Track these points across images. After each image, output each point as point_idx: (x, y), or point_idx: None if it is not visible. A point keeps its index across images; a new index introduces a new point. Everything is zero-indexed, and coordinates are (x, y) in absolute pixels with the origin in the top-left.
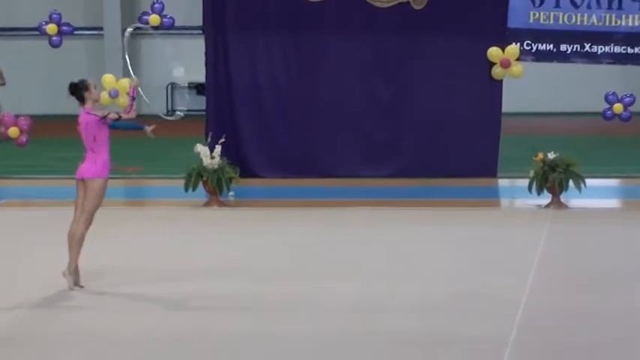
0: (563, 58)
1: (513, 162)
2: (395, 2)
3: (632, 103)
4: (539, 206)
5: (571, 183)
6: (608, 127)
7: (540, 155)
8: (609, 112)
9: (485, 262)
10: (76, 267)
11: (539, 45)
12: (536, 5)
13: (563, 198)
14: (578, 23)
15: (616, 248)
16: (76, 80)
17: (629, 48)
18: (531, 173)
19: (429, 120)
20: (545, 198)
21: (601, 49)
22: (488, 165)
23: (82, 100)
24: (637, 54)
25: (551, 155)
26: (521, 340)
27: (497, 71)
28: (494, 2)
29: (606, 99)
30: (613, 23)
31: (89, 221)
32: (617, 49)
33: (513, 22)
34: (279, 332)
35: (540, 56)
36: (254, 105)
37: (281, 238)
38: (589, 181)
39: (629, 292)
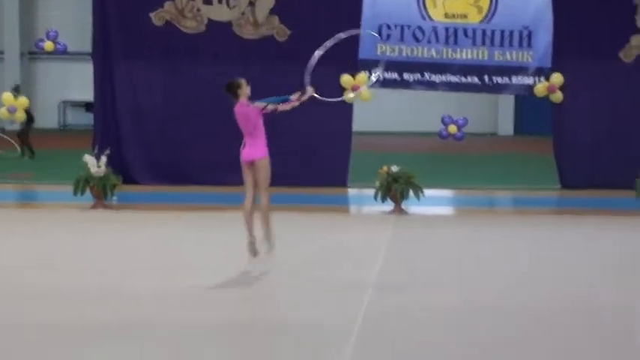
0: (406, 85)
1: (362, 174)
2: (261, 35)
3: (464, 125)
4: (384, 212)
5: (411, 193)
6: (444, 145)
7: (385, 168)
8: (445, 132)
9: (334, 260)
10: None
11: (386, 74)
12: (384, 39)
13: (404, 205)
14: (420, 55)
15: (450, 250)
16: (231, 79)
17: (462, 78)
18: (377, 184)
19: (290, 137)
20: (389, 205)
21: (439, 78)
22: (340, 176)
23: (236, 96)
24: (469, 83)
25: (394, 168)
26: (367, 328)
27: (348, 96)
28: (347, 36)
29: (442, 121)
30: (449, 56)
31: (268, 192)
32: (453, 79)
33: (364, 53)
34: (138, 321)
35: (386, 83)
36: (135, 122)
37: (154, 236)
38: (427, 191)
39: (461, 290)
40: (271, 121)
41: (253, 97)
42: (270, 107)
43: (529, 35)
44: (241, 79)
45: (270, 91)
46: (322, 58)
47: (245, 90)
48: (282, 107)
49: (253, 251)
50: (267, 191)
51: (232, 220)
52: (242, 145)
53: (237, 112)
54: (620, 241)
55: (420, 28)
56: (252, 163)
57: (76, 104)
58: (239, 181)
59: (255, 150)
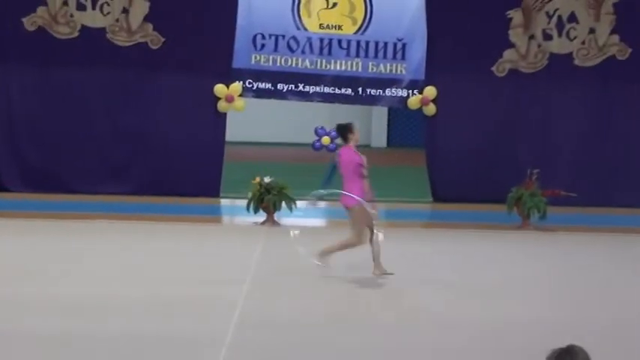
0: (279, 95)
1: (236, 184)
2: (134, 42)
3: (338, 137)
4: (256, 223)
5: (284, 204)
6: (318, 156)
7: (257, 179)
8: (318, 144)
9: (208, 270)
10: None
11: (260, 84)
12: (258, 49)
13: (276, 216)
14: (294, 66)
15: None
16: (343, 123)
17: (336, 89)
18: (249, 194)
19: (163, 145)
20: (261, 216)
21: (312, 88)
22: (213, 186)
23: (345, 140)
24: (343, 94)
25: (267, 179)
26: (238, 338)
27: (222, 105)
28: (221, 45)
29: (316, 132)
30: (323, 67)
31: (357, 236)
32: (327, 90)
33: (237, 62)
34: None
35: (260, 93)
36: (7, 127)
37: (24, 244)
38: (299, 203)
39: (329, 302)
40: (146, 130)
41: (129, 106)
42: (364, 172)
43: (403, 48)
44: (353, 123)
45: (141, 97)
46: (196, 66)
47: (356, 135)
48: (364, 182)
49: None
50: (357, 235)
51: (101, 230)
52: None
53: (342, 156)
54: (488, 254)
55: (294, 38)
56: (347, 208)
57: None
58: (114, 190)
59: (348, 196)
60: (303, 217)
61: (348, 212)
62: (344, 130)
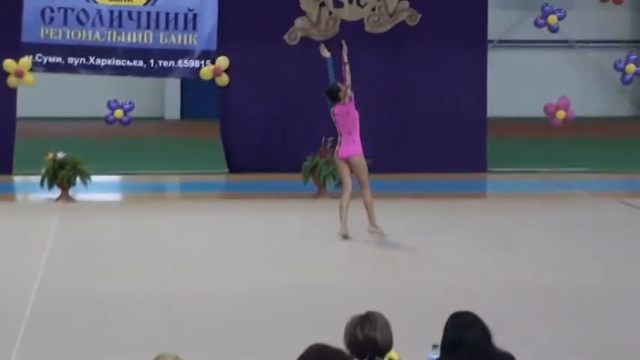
0: (70, 69)
1: (29, 161)
2: None
3: (131, 109)
4: (50, 200)
5: (78, 179)
6: (111, 130)
7: (51, 155)
8: (111, 117)
9: (2, 246)
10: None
11: (50, 58)
12: (47, 22)
13: (71, 192)
14: (84, 39)
15: (118, 236)
16: (330, 87)
17: (128, 61)
18: (43, 170)
19: None
20: (56, 192)
21: (104, 61)
22: (5, 163)
23: (337, 100)
24: (135, 66)
25: (60, 155)
26: (36, 313)
27: (11, 80)
28: (9, 19)
29: (109, 106)
30: (114, 39)
31: (369, 187)
32: (118, 62)
33: (26, 37)
34: None
35: (51, 67)
36: None
37: None
38: (94, 178)
39: (128, 276)
40: None
41: None
42: (348, 82)
43: (194, 18)
44: (337, 83)
45: None
46: None
47: (345, 91)
48: (346, 73)
49: (346, 237)
50: (368, 186)
51: None
52: (338, 144)
53: (338, 113)
54: (288, 223)
55: (84, 10)
56: (347, 160)
57: None
58: None
59: (352, 147)
60: (99, 191)
61: (354, 163)
62: (335, 93)
